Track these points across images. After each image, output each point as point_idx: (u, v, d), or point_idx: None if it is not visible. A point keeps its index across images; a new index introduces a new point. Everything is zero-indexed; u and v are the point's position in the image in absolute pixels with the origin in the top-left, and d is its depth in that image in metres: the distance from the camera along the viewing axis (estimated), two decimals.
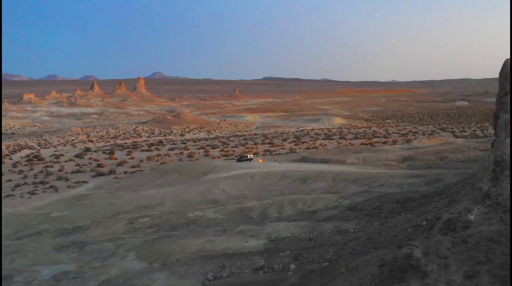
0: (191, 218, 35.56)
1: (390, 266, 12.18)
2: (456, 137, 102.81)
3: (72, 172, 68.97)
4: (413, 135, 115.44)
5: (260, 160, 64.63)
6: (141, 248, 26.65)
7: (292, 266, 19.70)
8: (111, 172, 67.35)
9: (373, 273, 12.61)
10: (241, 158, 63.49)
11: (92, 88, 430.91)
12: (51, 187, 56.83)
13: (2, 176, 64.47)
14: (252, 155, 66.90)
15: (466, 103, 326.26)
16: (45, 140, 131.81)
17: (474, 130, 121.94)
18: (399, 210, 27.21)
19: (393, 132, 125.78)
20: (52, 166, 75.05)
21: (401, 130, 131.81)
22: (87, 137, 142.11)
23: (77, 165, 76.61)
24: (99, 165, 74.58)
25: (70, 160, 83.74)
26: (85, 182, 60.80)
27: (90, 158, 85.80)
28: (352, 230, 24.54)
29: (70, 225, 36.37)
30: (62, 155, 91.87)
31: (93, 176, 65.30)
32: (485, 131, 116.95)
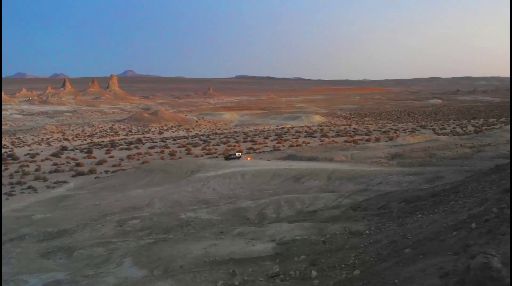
0: (184, 220, 33.72)
1: (458, 277, 10.69)
2: (437, 134, 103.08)
3: (50, 172, 65.94)
4: (394, 132, 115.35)
5: (249, 158, 62.97)
6: (138, 253, 24.68)
7: (314, 273, 18.12)
8: (92, 171, 64.63)
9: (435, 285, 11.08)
10: (229, 156, 61.77)
11: (64, 86, 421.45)
12: (29, 187, 53.95)
13: None
14: (240, 153, 65.22)
15: (440, 101, 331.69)
16: (19, 138, 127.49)
17: (454, 128, 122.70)
18: (411, 210, 25.94)
19: (374, 130, 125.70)
20: (28, 166, 71.71)
21: (382, 128, 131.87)
22: (63, 135, 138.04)
23: (55, 164, 73.39)
24: (78, 164, 71.62)
25: (46, 159, 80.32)
26: (65, 182, 58.06)
27: (67, 157, 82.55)
28: (367, 232, 23.14)
29: (55, 228, 34.07)
30: (37, 154, 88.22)
31: (73, 176, 62.51)
32: (464, 129, 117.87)
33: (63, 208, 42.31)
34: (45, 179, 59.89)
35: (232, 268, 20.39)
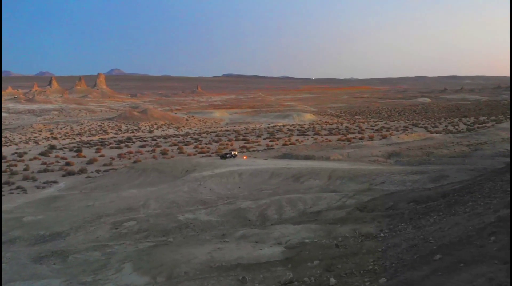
0: (183, 222, 32.40)
1: None
2: (430, 132, 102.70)
3: (39, 172, 64.10)
4: (386, 130, 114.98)
5: (244, 157, 61.69)
6: (138, 258, 23.24)
7: (333, 280, 16.89)
8: (82, 171, 62.94)
9: None
10: (225, 155, 60.44)
11: (50, 84, 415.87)
12: (18, 188, 52.22)
13: None
14: (236, 152, 63.89)
15: (428, 99, 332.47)
16: (6, 137, 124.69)
17: (446, 126, 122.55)
18: (423, 210, 24.85)
19: (366, 128, 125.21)
20: (16, 165, 69.68)
21: (374, 126, 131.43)
22: (51, 134, 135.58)
23: (44, 163, 71.49)
24: (67, 164, 69.77)
25: (35, 158, 78.25)
26: (55, 182, 56.37)
27: (56, 156, 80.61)
28: (381, 234, 21.96)
29: (47, 231, 32.63)
30: (25, 153, 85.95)
31: (63, 176, 60.81)
32: (456, 127, 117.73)
33: (55, 210, 40.71)
34: (34, 179, 58.12)
35: (241, 274, 19.17)
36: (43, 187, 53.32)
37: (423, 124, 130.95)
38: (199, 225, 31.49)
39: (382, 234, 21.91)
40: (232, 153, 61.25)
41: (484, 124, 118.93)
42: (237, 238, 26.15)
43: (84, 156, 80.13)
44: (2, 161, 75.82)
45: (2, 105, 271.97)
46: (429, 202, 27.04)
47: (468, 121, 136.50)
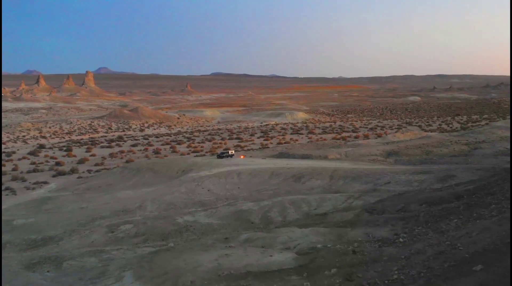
0: (182, 224, 30.90)
1: None
2: (425, 131, 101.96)
3: (29, 172, 61.92)
4: (381, 129, 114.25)
5: (242, 156, 60.14)
6: (139, 265, 21.76)
7: None
8: (73, 170, 60.92)
9: None
10: (222, 154, 58.79)
11: (38, 82, 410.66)
12: (7, 189, 50.15)
13: None
14: (233, 151, 62.29)
15: (419, 98, 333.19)
16: None
17: (439, 124, 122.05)
18: (439, 213, 23.60)
19: (360, 127, 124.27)
20: (4, 165, 67.43)
21: (367, 125, 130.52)
22: (39, 133, 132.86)
23: (33, 163, 69.30)
24: (57, 163, 67.68)
25: (23, 158, 75.93)
26: (45, 182, 54.36)
27: (46, 156, 78.32)
28: (401, 240, 20.61)
29: (39, 235, 30.96)
30: (14, 152, 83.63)
31: (53, 176, 58.72)
32: (450, 125, 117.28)
33: (46, 212, 38.97)
34: (23, 180, 56.09)
35: (253, 284, 17.85)
36: (33, 188, 51.34)
37: (416, 123, 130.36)
38: (200, 228, 30.02)
39: (400, 239, 20.58)
40: (229, 152, 59.63)
41: (477, 123, 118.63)
42: (241, 243, 24.78)
43: (75, 156, 78.01)
44: None
45: None
46: (444, 203, 25.83)
47: (461, 119, 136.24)
